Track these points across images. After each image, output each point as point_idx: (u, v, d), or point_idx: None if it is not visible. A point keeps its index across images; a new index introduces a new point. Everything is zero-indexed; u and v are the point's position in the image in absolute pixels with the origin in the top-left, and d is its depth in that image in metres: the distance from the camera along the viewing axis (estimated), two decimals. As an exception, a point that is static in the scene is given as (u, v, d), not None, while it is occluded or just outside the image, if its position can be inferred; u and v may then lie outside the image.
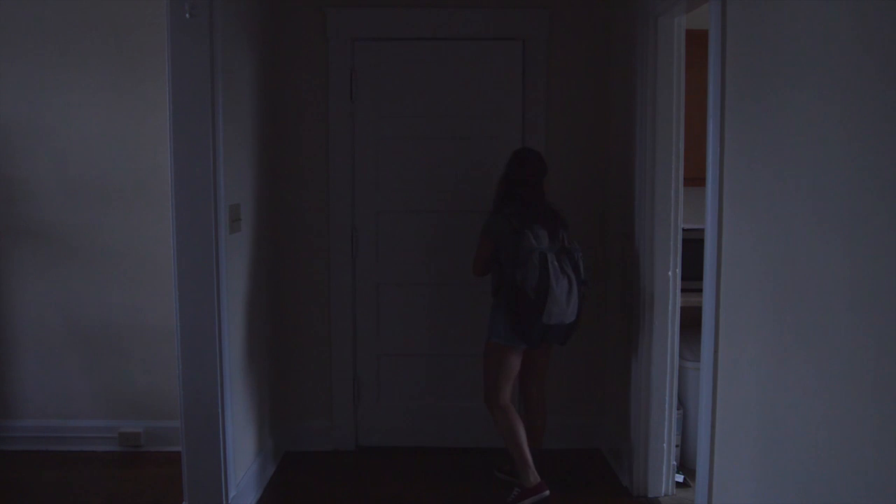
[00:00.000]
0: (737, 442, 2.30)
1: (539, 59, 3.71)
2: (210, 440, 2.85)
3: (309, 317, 3.82)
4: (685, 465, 3.56)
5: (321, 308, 3.81)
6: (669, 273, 3.19)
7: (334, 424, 3.86)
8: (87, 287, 3.75)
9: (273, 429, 3.64)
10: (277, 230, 3.70)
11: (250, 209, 3.24)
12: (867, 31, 1.69)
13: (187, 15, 2.66)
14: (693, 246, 3.13)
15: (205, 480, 2.86)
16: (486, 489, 3.35)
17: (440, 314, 3.85)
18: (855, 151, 1.73)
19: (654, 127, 3.15)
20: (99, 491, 3.38)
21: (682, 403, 3.56)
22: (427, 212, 3.80)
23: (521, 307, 2.96)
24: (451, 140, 3.78)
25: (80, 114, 3.68)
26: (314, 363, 3.84)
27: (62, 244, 3.74)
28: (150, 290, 3.71)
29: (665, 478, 3.30)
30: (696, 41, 3.07)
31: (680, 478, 3.39)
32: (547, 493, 3.14)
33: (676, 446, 3.44)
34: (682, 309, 3.26)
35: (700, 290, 2.52)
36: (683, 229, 3.24)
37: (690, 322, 3.34)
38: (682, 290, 3.27)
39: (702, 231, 2.50)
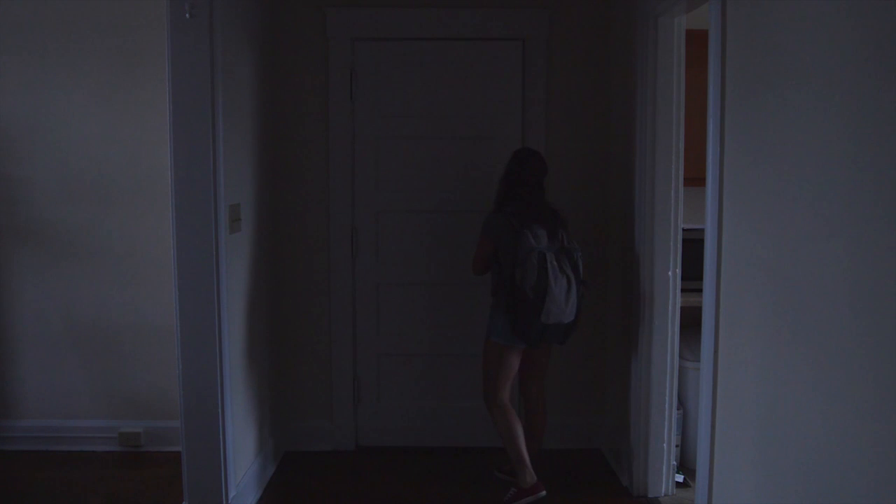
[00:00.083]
0: (737, 442, 2.30)
1: (539, 59, 3.71)
2: (210, 440, 2.85)
3: (309, 317, 3.82)
4: (685, 465, 3.56)
5: (321, 308, 3.81)
6: (669, 273, 3.19)
7: (334, 424, 3.86)
8: (87, 287, 3.75)
9: (273, 429, 3.64)
10: (277, 230, 3.70)
11: (250, 209, 3.24)
12: (867, 31, 1.69)
13: (187, 15, 2.66)
14: (693, 246, 3.13)
15: (205, 480, 2.86)
16: (486, 489, 3.35)
17: (440, 314, 3.85)
18: (855, 151, 1.72)
19: (654, 127, 3.15)
20: (99, 491, 3.38)
21: (682, 403, 3.56)
22: (427, 212, 3.80)
23: (520, 306, 2.97)
24: (451, 140, 3.78)
25: (80, 114, 3.68)
26: (314, 363, 3.84)
27: (62, 244, 3.74)
28: (150, 290, 3.72)
29: (665, 478, 3.30)
30: (696, 41, 3.07)
31: (680, 478, 3.39)
32: (543, 493, 3.14)
33: (676, 446, 3.44)
34: (682, 309, 3.26)
35: (700, 290, 2.52)
36: (683, 229, 3.24)
37: (690, 322, 3.34)
38: (682, 290, 3.27)
39: (702, 231, 2.50)
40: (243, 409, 3.16)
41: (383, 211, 3.80)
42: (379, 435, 3.90)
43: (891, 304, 1.58)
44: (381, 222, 3.81)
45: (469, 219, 3.61)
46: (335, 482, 3.51)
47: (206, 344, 2.80)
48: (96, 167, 3.69)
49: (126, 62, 3.65)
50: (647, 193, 3.18)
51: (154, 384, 3.75)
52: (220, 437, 2.85)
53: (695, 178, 3.12)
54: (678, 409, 3.39)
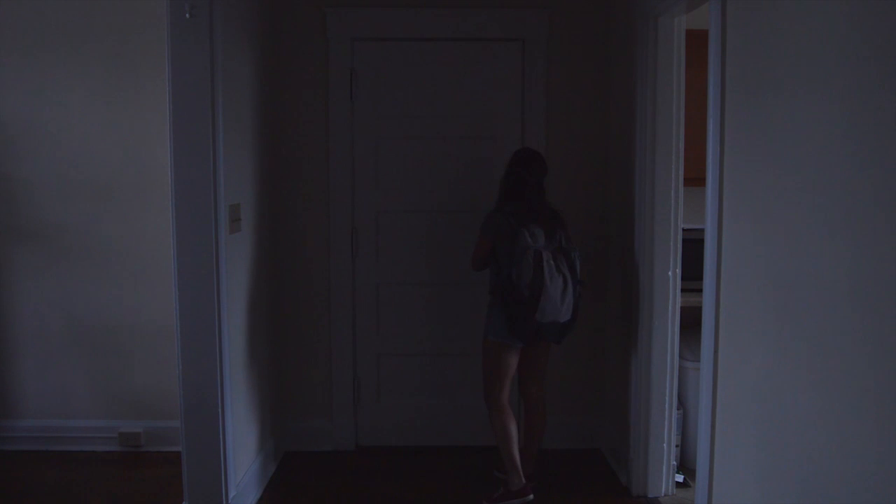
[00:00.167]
0: (737, 442, 2.30)
1: (539, 59, 3.71)
2: (210, 440, 2.85)
3: (309, 317, 3.82)
4: (685, 465, 3.56)
5: (321, 308, 3.81)
6: (669, 273, 3.19)
7: (334, 424, 3.86)
8: (87, 287, 3.75)
9: (273, 429, 3.64)
10: (277, 230, 3.70)
11: (250, 209, 3.24)
12: (867, 31, 1.69)
13: (187, 15, 2.66)
14: (693, 246, 3.13)
15: (205, 480, 2.86)
16: (486, 488, 3.35)
17: (440, 314, 3.85)
18: (855, 151, 1.73)
19: (654, 127, 3.15)
20: (99, 491, 3.38)
21: (682, 403, 3.56)
22: (427, 212, 3.80)
23: (515, 304, 2.98)
24: (450, 140, 3.78)
25: (80, 114, 3.68)
26: (314, 363, 3.84)
27: (62, 244, 3.74)
28: (150, 290, 3.72)
29: (665, 478, 3.30)
30: (696, 41, 3.07)
31: (680, 478, 3.39)
32: (531, 497, 3.16)
33: (676, 446, 3.44)
34: (682, 309, 3.27)
35: (700, 290, 2.52)
36: (683, 229, 3.24)
37: (690, 322, 3.34)
38: (682, 290, 3.27)
39: (702, 231, 2.50)
40: (243, 409, 3.16)
41: (383, 211, 3.80)
42: (379, 435, 3.90)
43: (891, 304, 1.58)
44: (381, 222, 3.81)
45: (469, 219, 3.61)
46: (335, 482, 3.51)
47: (206, 344, 2.80)
48: (96, 167, 3.70)
49: (126, 62, 3.65)
50: (647, 193, 3.18)
51: (154, 384, 3.75)
52: (220, 437, 2.85)
53: (695, 178, 3.12)
54: (678, 409, 3.39)
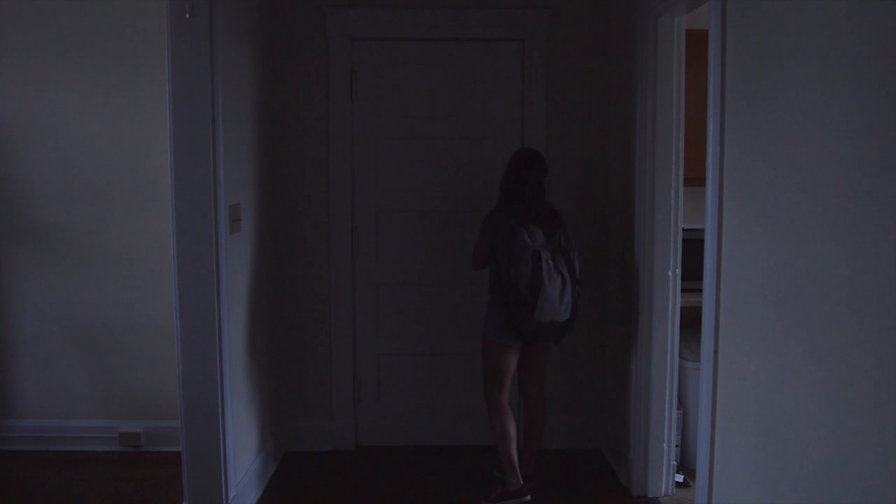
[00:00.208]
0: (737, 442, 2.30)
1: (539, 59, 3.71)
2: (210, 440, 2.85)
3: (309, 317, 3.82)
4: (685, 465, 3.56)
5: (321, 308, 3.81)
6: (669, 273, 3.19)
7: (334, 424, 3.86)
8: (87, 287, 3.75)
9: (273, 429, 3.64)
10: (277, 230, 3.70)
11: (250, 209, 3.24)
12: (867, 31, 1.69)
13: (187, 15, 2.66)
14: (693, 246, 3.13)
15: (205, 480, 2.86)
16: (486, 488, 3.35)
17: (440, 314, 3.85)
18: (855, 151, 1.72)
19: (654, 127, 3.15)
20: (99, 491, 3.38)
21: (682, 403, 3.56)
22: (427, 212, 3.80)
23: (514, 304, 2.98)
24: (450, 140, 3.78)
25: (80, 114, 3.68)
26: (314, 363, 3.84)
27: (62, 244, 3.74)
28: (150, 290, 3.72)
29: (665, 478, 3.30)
30: (696, 41, 3.07)
31: (680, 478, 3.39)
32: (528, 497, 3.16)
33: (676, 446, 3.44)
34: (682, 309, 3.27)
35: (700, 290, 2.52)
36: (683, 229, 3.24)
37: (690, 322, 3.34)
38: (682, 290, 3.27)
39: (702, 231, 2.50)
40: (243, 409, 3.16)
41: (383, 211, 3.80)
42: (379, 434, 3.91)
43: (890, 304, 1.58)
44: (380, 222, 3.81)
45: (469, 219, 3.61)
46: (335, 482, 3.51)
47: (206, 344, 2.80)
48: (96, 167, 3.70)
49: (126, 62, 3.65)
50: (647, 193, 3.18)
51: (154, 384, 3.75)
52: (221, 437, 2.85)
53: (695, 178, 3.12)
54: (678, 409, 3.39)
